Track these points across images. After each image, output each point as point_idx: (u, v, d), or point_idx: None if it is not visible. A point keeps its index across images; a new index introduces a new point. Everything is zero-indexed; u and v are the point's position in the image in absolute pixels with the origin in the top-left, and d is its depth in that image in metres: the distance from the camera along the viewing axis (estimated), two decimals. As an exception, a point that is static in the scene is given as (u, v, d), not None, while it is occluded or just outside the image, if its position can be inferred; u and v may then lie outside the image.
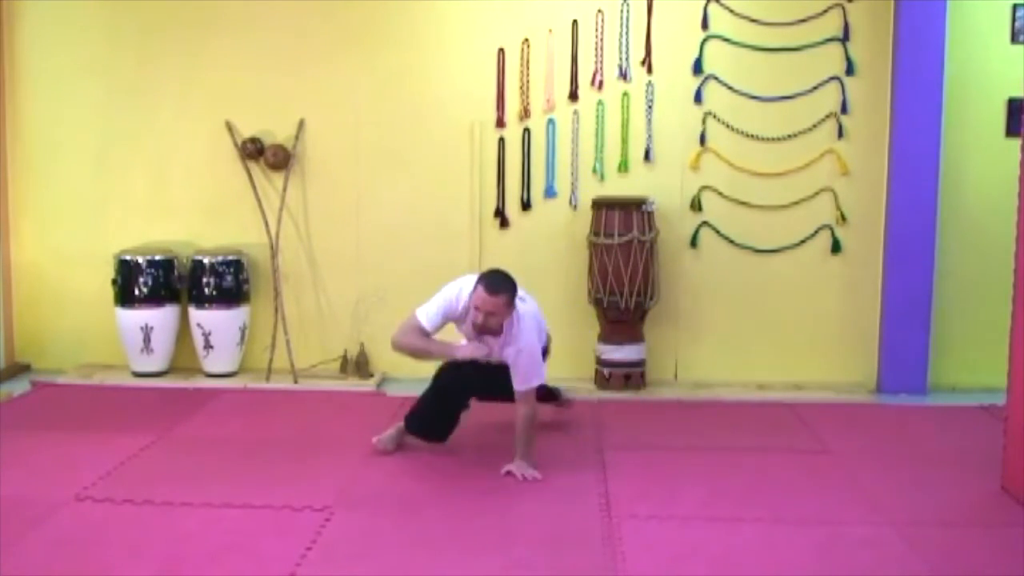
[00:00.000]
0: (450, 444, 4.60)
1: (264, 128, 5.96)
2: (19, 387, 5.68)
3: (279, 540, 3.49)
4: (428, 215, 5.95)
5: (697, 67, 5.84)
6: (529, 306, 4.41)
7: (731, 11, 5.80)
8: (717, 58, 5.84)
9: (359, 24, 5.89)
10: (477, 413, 4.73)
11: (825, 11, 5.77)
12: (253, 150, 5.91)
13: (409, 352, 4.32)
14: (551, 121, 5.91)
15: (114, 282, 5.81)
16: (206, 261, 5.81)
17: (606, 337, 5.76)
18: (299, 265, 6.05)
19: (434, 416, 4.47)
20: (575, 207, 5.94)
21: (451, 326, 4.44)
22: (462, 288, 4.33)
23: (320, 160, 5.98)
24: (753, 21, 5.80)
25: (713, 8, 5.81)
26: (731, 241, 5.93)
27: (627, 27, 5.86)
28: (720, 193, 5.90)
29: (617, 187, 5.89)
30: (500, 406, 5.54)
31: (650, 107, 5.88)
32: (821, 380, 5.93)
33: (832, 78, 5.81)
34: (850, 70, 5.79)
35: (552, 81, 5.90)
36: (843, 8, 5.76)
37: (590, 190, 5.89)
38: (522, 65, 5.89)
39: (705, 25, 5.82)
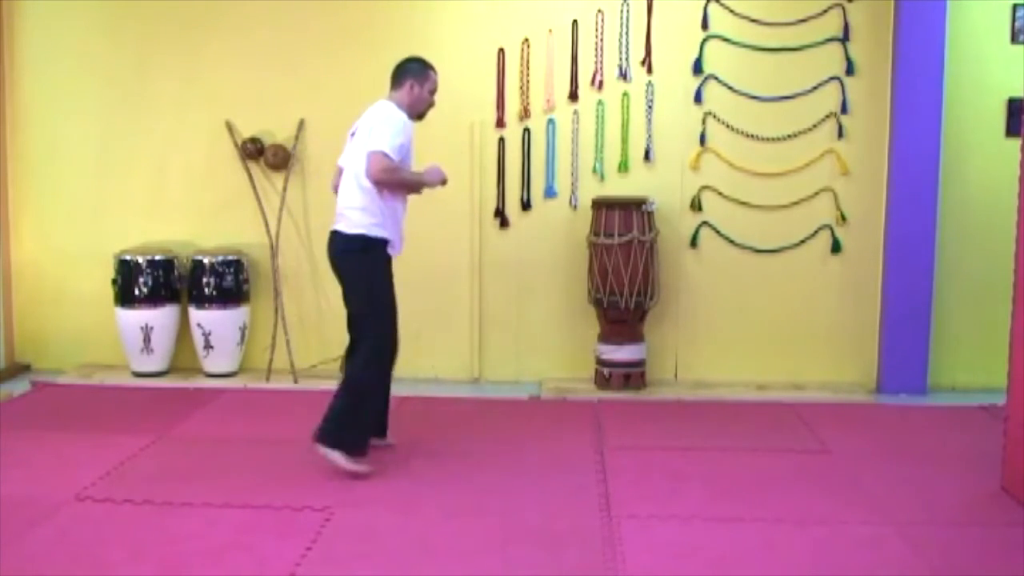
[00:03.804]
0: (450, 443, 4.61)
1: (264, 128, 5.96)
2: (19, 387, 5.68)
3: (279, 540, 3.49)
4: (428, 215, 5.92)
5: (697, 67, 5.84)
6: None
7: (731, 11, 5.80)
8: (717, 58, 5.84)
9: (359, 24, 5.89)
10: (477, 415, 4.73)
11: (825, 11, 5.77)
12: (253, 150, 5.91)
13: (388, 185, 4.20)
14: (551, 121, 5.91)
15: (114, 282, 5.81)
16: (206, 261, 5.81)
17: (606, 337, 5.76)
18: (299, 265, 6.05)
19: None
20: (575, 207, 5.94)
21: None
22: (391, 108, 4.25)
23: (320, 160, 5.97)
24: (753, 21, 5.80)
25: (713, 8, 5.81)
26: (731, 241, 5.93)
27: (627, 27, 5.86)
28: (720, 193, 5.90)
29: (617, 187, 5.89)
30: (502, 408, 5.55)
31: (650, 107, 5.88)
32: (821, 380, 5.93)
33: (832, 78, 5.81)
34: (850, 70, 5.79)
35: (552, 81, 5.90)
36: (843, 8, 5.76)
37: (590, 190, 5.89)
38: (522, 65, 5.89)
39: (705, 25, 5.82)
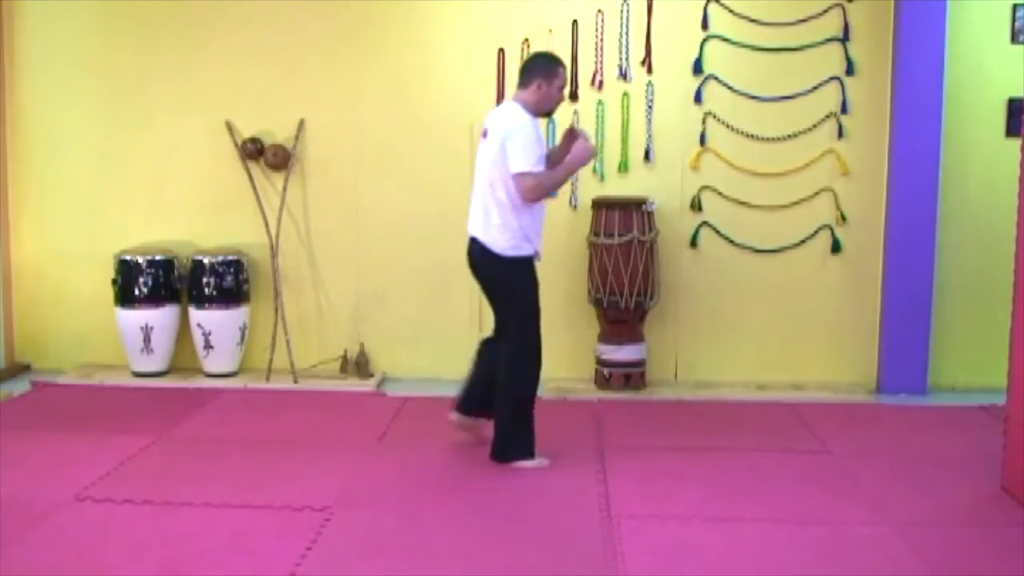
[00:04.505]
0: (450, 444, 4.62)
1: (264, 128, 5.96)
2: (19, 387, 5.68)
3: (279, 540, 3.49)
4: (428, 215, 5.94)
5: (697, 67, 5.84)
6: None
7: (731, 11, 5.80)
8: (717, 58, 5.84)
9: (359, 24, 5.89)
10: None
11: (825, 11, 5.77)
12: (253, 150, 5.91)
13: (546, 194, 4.30)
14: (551, 121, 5.90)
15: (114, 282, 5.81)
16: (206, 261, 5.80)
17: (606, 337, 5.76)
18: (299, 265, 6.05)
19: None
20: (575, 207, 5.94)
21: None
22: (518, 116, 4.21)
23: (320, 160, 5.98)
24: (753, 21, 5.80)
25: (713, 8, 5.81)
26: (731, 241, 5.92)
27: (627, 27, 5.86)
28: (720, 193, 5.90)
29: (617, 187, 5.89)
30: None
31: (650, 107, 5.88)
32: (821, 380, 5.93)
33: (832, 78, 5.81)
34: (850, 70, 5.79)
35: (552, 81, 5.90)
36: (843, 8, 5.76)
37: (590, 190, 5.89)
38: (522, 65, 5.89)
39: (705, 25, 5.82)
